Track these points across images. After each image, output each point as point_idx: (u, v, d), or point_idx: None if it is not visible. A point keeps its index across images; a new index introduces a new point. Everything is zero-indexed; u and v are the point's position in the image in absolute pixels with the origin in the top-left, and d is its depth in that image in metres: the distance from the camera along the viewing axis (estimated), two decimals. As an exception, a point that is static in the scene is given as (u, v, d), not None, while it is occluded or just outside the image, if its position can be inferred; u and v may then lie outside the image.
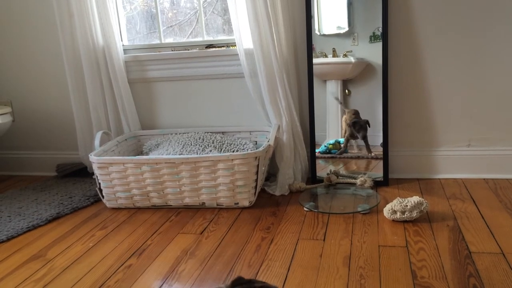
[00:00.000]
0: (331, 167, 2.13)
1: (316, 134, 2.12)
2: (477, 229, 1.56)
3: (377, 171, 2.06)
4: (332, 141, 2.12)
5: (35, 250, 1.64)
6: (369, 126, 2.03)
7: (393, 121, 2.10)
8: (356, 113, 1.98)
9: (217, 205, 1.91)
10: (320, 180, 2.11)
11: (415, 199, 1.64)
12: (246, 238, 1.61)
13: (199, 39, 2.33)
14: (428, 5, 1.95)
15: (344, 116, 2.00)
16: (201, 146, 2.04)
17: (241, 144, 2.09)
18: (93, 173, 2.42)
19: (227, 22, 2.30)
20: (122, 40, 2.35)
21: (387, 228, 1.61)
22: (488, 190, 1.91)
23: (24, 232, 1.80)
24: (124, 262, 1.50)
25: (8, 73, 2.54)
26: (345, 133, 2.03)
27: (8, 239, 1.74)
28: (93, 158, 1.91)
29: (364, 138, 2.04)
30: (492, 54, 1.95)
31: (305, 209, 1.83)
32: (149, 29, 2.40)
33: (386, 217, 1.67)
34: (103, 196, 1.98)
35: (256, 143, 2.21)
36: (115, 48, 2.23)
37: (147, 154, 2.19)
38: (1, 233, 1.77)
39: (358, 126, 2.02)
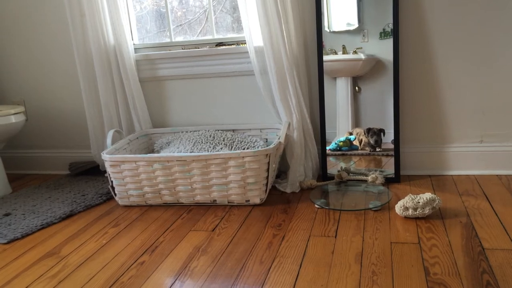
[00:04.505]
0: (342, 164, 2.13)
1: (326, 131, 2.11)
2: (490, 226, 1.55)
3: (389, 168, 2.05)
4: (342, 139, 2.11)
5: (49, 247, 1.66)
6: (384, 135, 2.02)
7: (404, 118, 2.09)
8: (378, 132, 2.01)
9: (228, 202, 1.91)
10: (331, 177, 2.11)
11: (427, 195, 1.63)
12: (258, 235, 1.62)
13: (208, 37, 2.33)
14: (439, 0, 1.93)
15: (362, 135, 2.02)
16: (212, 144, 2.05)
17: (251, 142, 2.09)
18: (105, 171, 2.44)
19: (236, 20, 2.31)
20: (133, 39, 2.37)
21: (399, 224, 1.60)
22: (501, 186, 1.89)
23: (38, 230, 1.82)
24: (137, 259, 1.51)
25: (21, 73, 2.57)
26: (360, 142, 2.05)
27: (23, 237, 1.77)
28: (105, 156, 1.92)
29: (376, 142, 2.04)
30: (504, 49, 1.92)
31: (316, 206, 1.83)
32: (158, 28, 2.41)
33: (398, 214, 1.67)
34: (115, 194, 2.00)
35: (266, 141, 2.21)
36: (126, 47, 2.25)
37: (158, 152, 2.20)
38: (16, 230, 1.80)
39: (371, 133, 2.02)
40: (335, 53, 2.05)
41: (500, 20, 1.90)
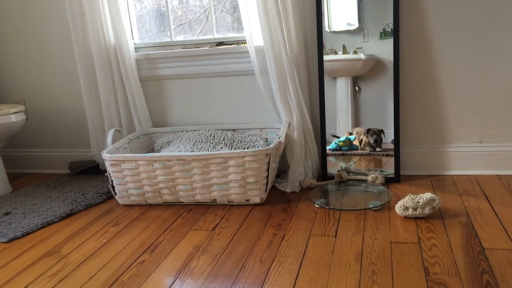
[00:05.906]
0: (342, 164, 2.13)
1: (326, 131, 2.11)
2: (490, 226, 1.55)
3: (389, 168, 2.05)
4: (342, 138, 2.11)
5: (49, 246, 1.66)
6: (384, 136, 2.02)
7: (404, 118, 2.09)
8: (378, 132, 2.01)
9: (228, 201, 1.92)
10: (331, 177, 2.11)
11: (427, 195, 1.63)
12: (258, 235, 1.62)
13: (209, 36, 2.33)
14: (439, 0, 1.93)
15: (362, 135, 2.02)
16: (212, 143, 2.05)
17: (251, 141, 2.09)
18: (105, 171, 2.44)
19: (237, 19, 2.31)
20: (133, 38, 2.37)
21: (399, 224, 1.61)
22: (501, 187, 1.89)
23: (39, 229, 1.82)
24: (137, 258, 1.51)
25: (22, 72, 2.57)
26: (360, 142, 2.05)
27: (23, 236, 1.77)
28: (105, 155, 1.93)
29: (376, 142, 2.04)
30: (504, 50, 1.93)
31: (316, 205, 1.83)
32: (159, 28, 2.42)
33: (398, 213, 1.67)
34: (115, 193, 2.00)
35: (266, 140, 2.21)
36: (126, 46, 2.25)
37: (158, 151, 2.20)
38: (16, 229, 1.80)
39: (371, 133, 2.02)
40: (335, 53, 2.05)
41: (500, 20, 1.90)
